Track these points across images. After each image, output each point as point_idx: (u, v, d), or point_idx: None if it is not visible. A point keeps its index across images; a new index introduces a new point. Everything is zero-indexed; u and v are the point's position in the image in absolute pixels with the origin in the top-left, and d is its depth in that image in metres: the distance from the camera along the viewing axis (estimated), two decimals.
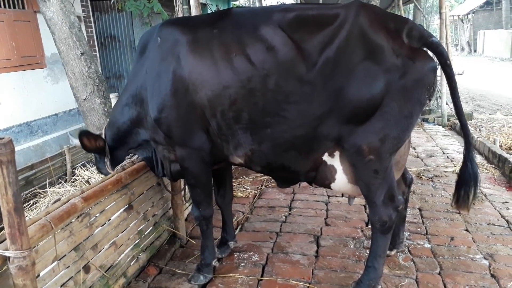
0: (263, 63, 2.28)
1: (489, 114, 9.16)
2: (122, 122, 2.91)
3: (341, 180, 2.53)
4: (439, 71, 2.80)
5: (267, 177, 4.65)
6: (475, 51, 30.75)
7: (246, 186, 4.58)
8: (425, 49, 2.34)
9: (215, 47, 2.38)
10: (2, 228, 1.76)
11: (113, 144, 3.06)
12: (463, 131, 2.58)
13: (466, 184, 2.57)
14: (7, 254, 1.78)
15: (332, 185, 2.58)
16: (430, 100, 2.40)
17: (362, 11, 2.21)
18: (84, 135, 2.93)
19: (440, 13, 7.61)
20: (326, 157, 2.48)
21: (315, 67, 2.23)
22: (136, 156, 3.00)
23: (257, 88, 2.30)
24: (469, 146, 2.56)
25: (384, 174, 2.40)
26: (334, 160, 2.48)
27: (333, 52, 2.20)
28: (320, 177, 2.56)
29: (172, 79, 2.47)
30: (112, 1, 7.89)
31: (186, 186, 3.30)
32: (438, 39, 7.63)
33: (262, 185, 4.67)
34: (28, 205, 4.41)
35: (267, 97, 2.31)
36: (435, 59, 2.39)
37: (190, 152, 2.63)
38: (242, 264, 3.09)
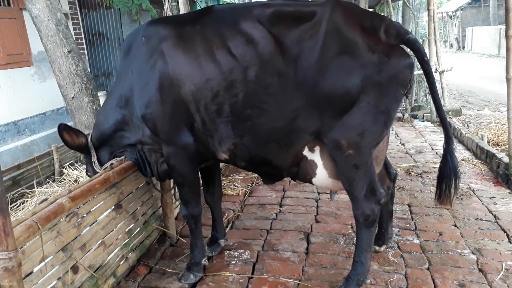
0: (243, 55, 2.33)
1: (477, 110, 9.26)
2: (107, 126, 2.89)
3: (321, 175, 2.57)
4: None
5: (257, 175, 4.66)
6: (463, 47, 31.03)
7: (236, 184, 4.57)
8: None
9: (198, 42, 2.43)
10: None
11: (98, 146, 3.03)
12: (443, 125, 2.63)
13: (447, 178, 2.61)
14: None
15: (314, 180, 2.62)
16: (407, 97, 2.44)
17: (337, 9, 2.27)
18: (63, 129, 2.86)
19: (428, 10, 7.68)
20: (306, 152, 2.51)
21: (292, 60, 2.28)
22: (124, 156, 2.98)
23: (238, 80, 2.35)
24: (449, 140, 2.60)
25: (365, 169, 2.43)
26: (314, 155, 2.53)
27: (309, 47, 2.25)
28: (302, 172, 2.60)
29: (157, 75, 2.48)
30: None
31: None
32: (427, 35, 7.73)
33: (252, 183, 4.67)
34: (15, 205, 4.34)
35: (246, 89, 2.35)
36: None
37: (177, 150, 2.63)
38: (232, 262, 3.08)
